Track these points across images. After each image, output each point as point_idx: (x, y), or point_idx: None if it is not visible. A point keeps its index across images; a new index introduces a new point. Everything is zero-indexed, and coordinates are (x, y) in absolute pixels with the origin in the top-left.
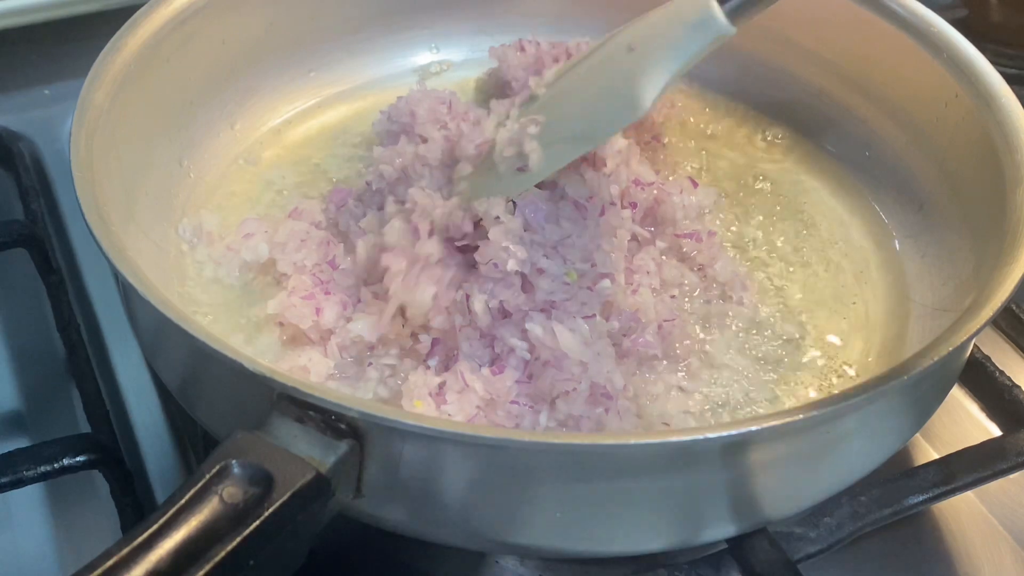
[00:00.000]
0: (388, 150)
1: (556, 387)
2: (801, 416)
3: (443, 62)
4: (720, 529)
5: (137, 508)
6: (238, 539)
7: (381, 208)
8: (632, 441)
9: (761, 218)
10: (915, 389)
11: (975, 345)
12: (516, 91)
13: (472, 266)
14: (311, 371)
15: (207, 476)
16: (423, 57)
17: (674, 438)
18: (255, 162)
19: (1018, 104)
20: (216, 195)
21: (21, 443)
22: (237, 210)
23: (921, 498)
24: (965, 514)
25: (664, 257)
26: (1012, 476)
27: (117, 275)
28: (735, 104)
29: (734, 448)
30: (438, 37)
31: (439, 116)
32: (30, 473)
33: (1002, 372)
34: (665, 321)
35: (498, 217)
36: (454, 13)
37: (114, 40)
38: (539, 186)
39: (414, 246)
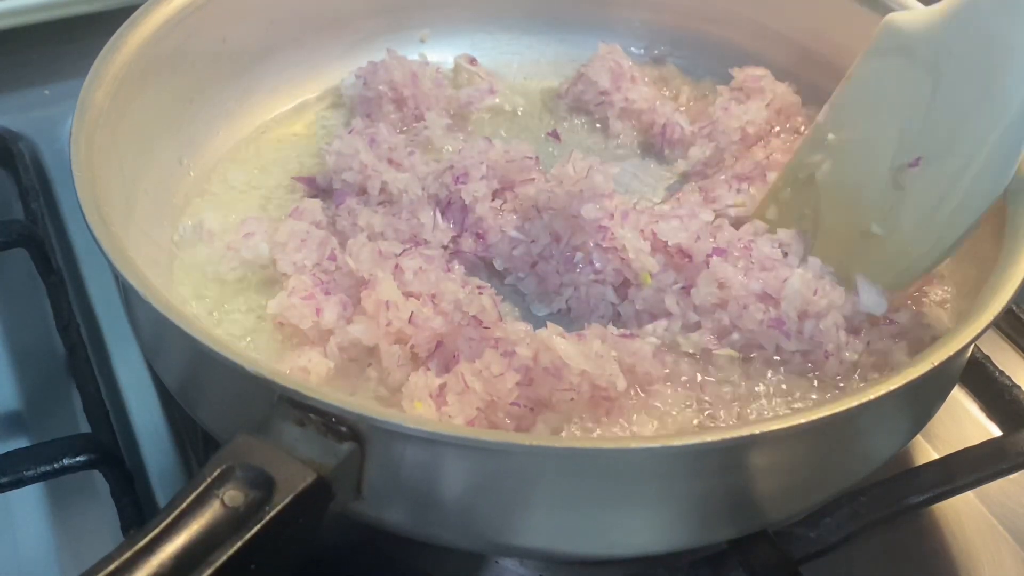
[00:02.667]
0: (348, 146)
1: (555, 395)
2: (802, 420)
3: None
4: (720, 531)
5: (137, 508)
6: (240, 543)
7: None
8: (631, 445)
9: None
10: (916, 391)
11: (975, 345)
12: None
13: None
14: (311, 372)
15: (208, 480)
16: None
17: (673, 442)
18: (255, 161)
19: None
20: (216, 194)
21: (21, 443)
22: (237, 209)
23: (921, 498)
24: (965, 514)
25: None
26: (1012, 476)
27: (117, 275)
28: None
29: (734, 452)
30: (438, 36)
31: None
32: (30, 473)
33: (1002, 372)
34: None
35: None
36: (454, 13)
37: (114, 40)
38: None
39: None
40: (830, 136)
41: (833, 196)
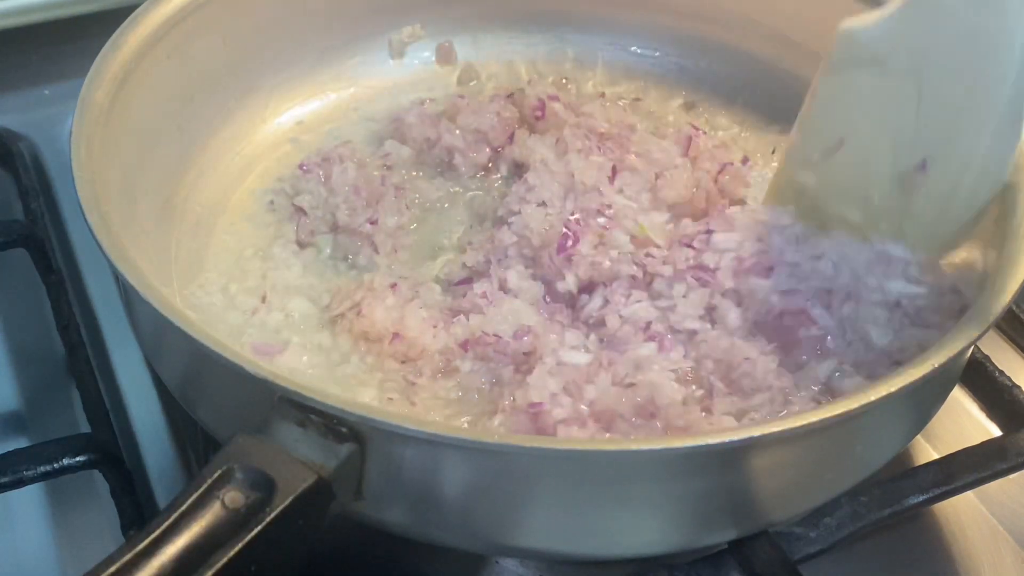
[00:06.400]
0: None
1: None
2: (802, 422)
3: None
4: (721, 533)
5: (137, 508)
6: (240, 544)
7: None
8: (631, 447)
9: None
10: (916, 393)
11: (975, 345)
12: None
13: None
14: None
15: (209, 481)
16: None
17: (675, 444)
18: (255, 160)
19: None
20: (216, 194)
21: (21, 443)
22: (237, 209)
23: (921, 498)
24: (965, 514)
25: None
26: (1012, 476)
27: (117, 275)
28: (735, 105)
29: (735, 454)
30: (439, 34)
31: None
32: (30, 473)
33: (1002, 372)
34: None
35: None
36: (455, 11)
37: (114, 39)
38: None
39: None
40: (815, 156)
41: (831, 206)
